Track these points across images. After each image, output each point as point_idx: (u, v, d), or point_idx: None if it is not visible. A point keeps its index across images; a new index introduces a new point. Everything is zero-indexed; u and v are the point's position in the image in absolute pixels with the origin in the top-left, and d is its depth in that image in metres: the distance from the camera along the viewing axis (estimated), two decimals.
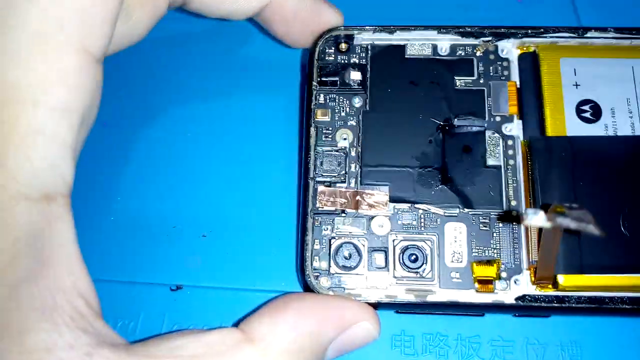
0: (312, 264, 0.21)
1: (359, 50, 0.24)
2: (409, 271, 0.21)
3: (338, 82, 0.23)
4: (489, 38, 0.23)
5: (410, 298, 0.21)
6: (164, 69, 0.26)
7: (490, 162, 0.22)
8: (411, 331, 0.23)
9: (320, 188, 0.22)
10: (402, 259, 0.21)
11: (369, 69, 0.23)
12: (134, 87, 0.26)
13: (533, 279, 0.21)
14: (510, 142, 0.23)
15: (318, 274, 0.21)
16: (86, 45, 0.18)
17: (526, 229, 0.21)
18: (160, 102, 0.26)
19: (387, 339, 0.22)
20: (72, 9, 0.17)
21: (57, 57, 0.17)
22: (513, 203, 0.22)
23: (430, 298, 0.21)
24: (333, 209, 0.22)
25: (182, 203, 0.24)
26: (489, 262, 0.21)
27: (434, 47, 0.24)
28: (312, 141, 0.23)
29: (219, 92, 0.26)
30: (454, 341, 0.22)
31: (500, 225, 0.22)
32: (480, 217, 0.22)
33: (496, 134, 0.23)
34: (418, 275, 0.21)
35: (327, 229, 0.22)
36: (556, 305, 0.21)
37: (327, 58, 0.24)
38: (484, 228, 0.22)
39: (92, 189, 0.24)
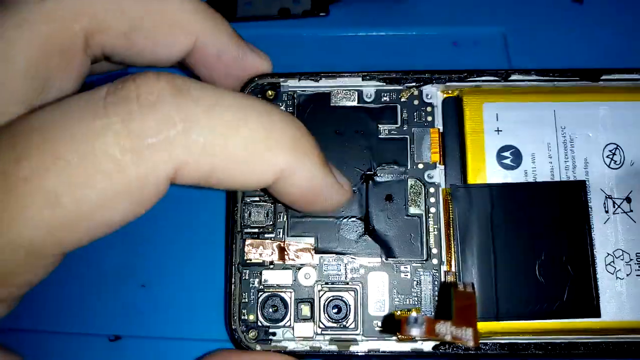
0: (240, 317, 0.22)
1: (286, 98, 0.24)
2: (333, 322, 0.22)
3: None
4: (413, 84, 0.24)
5: (333, 348, 0.22)
6: None
7: (412, 210, 0.23)
8: None
9: (248, 240, 0.23)
10: (327, 310, 0.22)
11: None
12: None
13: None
14: (432, 190, 0.23)
15: (245, 327, 0.22)
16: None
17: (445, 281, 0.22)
18: None
19: None
20: None
21: None
22: (434, 251, 0.23)
23: (353, 348, 0.22)
24: (260, 260, 0.23)
25: (121, 253, 0.25)
26: (409, 311, 0.22)
27: (359, 94, 0.24)
28: (239, 193, 0.23)
29: None
30: None
31: (422, 273, 0.22)
32: (402, 266, 0.22)
33: (419, 182, 0.23)
34: (341, 326, 0.22)
35: (255, 281, 0.23)
36: (472, 352, 0.22)
37: None
38: (405, 277, 0.22)
39: None
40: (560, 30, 0.28)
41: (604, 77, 0.23)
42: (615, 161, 0.23)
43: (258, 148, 0.18)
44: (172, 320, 0.24)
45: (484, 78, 0.23)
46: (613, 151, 0.23)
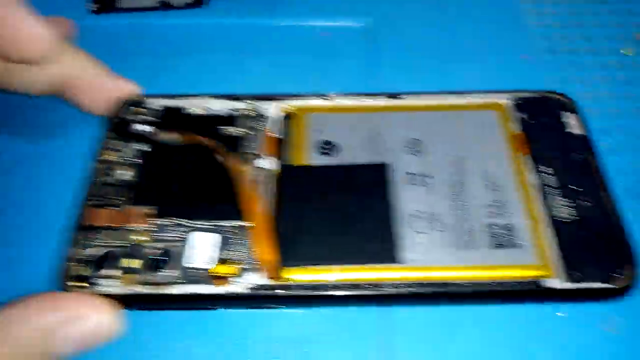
0: (71, 272, 0.23)
1: (148, 112, 0.29)
2: (154, 272, 0.23)
3: (129, 133, 0.28)
4: (253, 102, 0.29)
5: (149, 291, 0.23)
6: None
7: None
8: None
9: (91, 202, 0.25)
10: (153, 261, 0.24)
11: (155, 124, 0.28)
12: None
13: (268, 274, 0.23)
14: (259, 172, 0.27)
15: (74, 277, 0.23)
16: None
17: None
18: None
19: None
20: None
21: None
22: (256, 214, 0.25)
23: (168, 290, 0.23)
24: (101, 224, 0.25)
25: None
26: (228, 262, 0.24)
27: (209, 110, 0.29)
28: (96, 173, 0.26)
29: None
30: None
31: (243, 231, 0.25)
32: (228, 227, 0.25)
33: (248, 166, 0.27)
34: (163, 274, 0.23)
35: (92, 241, 0.24)
36: (281, 293, 0.23)
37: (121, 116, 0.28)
38: (231, 235, 0.25)
39: None
40: (425, 21, 0.34)
41: (403, 96, 0.29)
42: (416, 150, 0.27)
43: None
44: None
45: (313, 99, 0.29)
46: (413, 143, 0.27)
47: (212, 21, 0.34)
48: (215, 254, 0.24)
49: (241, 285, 0.23)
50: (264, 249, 0.24)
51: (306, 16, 0.35)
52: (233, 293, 0.23)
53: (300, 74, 0.32)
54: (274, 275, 0.23)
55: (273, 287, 0.23)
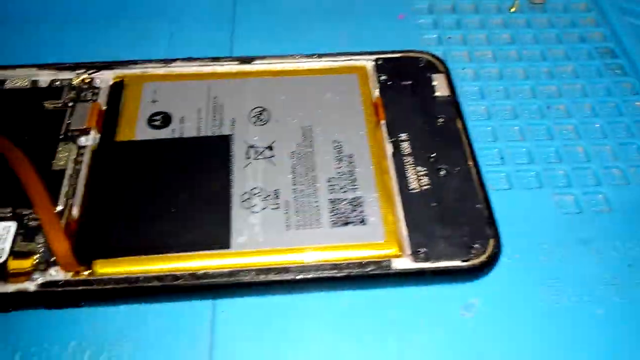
0: None
1: None
2: None
3: None
4: (87, 70, 0.25)
5: None
6: None
7: (55, 167, 0.22)
8: None
9: None
10: None
11: None
12: None
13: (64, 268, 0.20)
14: (82, 151, 0.23)
15: None
16: None
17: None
18: None
19: None
20: None
21: None
22: (70, 201, 0.22)
23: None
24: None
25: None
26: (25, 256, 0.20)
27: (34, 83, 0.25)
28: None
29: None
30: None
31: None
32: (31, 217, 0.21)
33: (70, 144, 0.23)
34: None
35: None
36: (79, 288, 0.19)
37: None
38: (33, 225, 0.21)
39: None
40: None
41: (255, 62, 0.26)
42: (262, 120, 0.24)
43: None
44: None
45: (150, 65, 0.26)
46: (259, 112, 0.24)
47: None
48: (7, 245, 0.20)
49: (34, 282, 0.20)
50: (57, 240, 0.20)
51: None
52: (22, 290, 0.19)
53: (144, 38, 0.28)
54: (73, 269, 0.20)
55: (69, 283, 0.20)
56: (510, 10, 0.31)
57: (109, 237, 0.21)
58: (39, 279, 0.20)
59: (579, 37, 0.30)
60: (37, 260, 0.20)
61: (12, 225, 0.21)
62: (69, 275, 0.20)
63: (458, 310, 0.21)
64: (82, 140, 0.23)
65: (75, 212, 0.21)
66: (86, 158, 0.23)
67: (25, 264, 0.20)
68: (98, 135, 0.24)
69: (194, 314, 0.20)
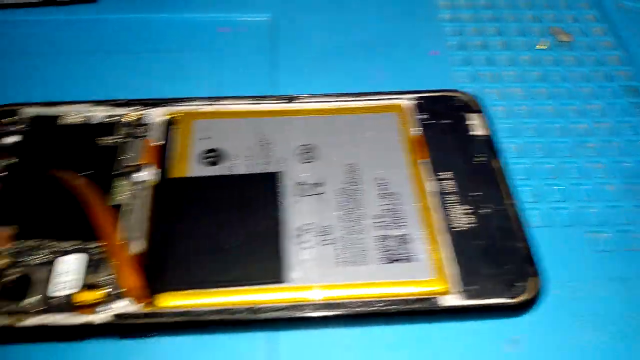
0: None
1: (20, 121, 0.26)
2: (11, 298, 0.21)
3: None
4: (139, 107, 0.27)
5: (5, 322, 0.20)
6: None
7: (114, 202, 0.24)
8: None
9: None
10: (8, 286, 0.21)
11: (25, 135, 0.25)
12: None
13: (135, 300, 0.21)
14: (138, 186, 0.24)
15: None
16: None
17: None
18: None
19: None
20: None
21: None
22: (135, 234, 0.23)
23: (24, 322, 0.20)
24: None
25: None
26: (94, 288, 0.21)
27: (88, 119, 0.26)
28: None
29: None
30: None
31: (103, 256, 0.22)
32: (97, 249, 0.22)
33: (127, 180, 0.24)
34: (23, 303, 0.21)
35: None
36: (150, 321, 0.20)
37: None
38: (99, 257, 0.22)
39: None
40: (324, 16, 0.32)
41: (299, 99, 0.27)
42: (308, 157, 0.25)
43: None
44: None
45: (198, 103, 0.27)
46: (306, 150, 0.25)
47: (100, 17, 0.32)
48: (81, 277, 0.21)
49: (106, 313, 0.21)
50: (128, 273, 0.21)
51: (201, 11, 0.33)
52: (94, 322, 0.21)
53: (194, 75, 0.30)
54: (142, 301, 0.21)
55: (141, 315, 0.21)
56: (537, 47, 0.33)
57: (172, 271, 0.22)
58: (110, 310, 0.21)
59: (605, 76, 0.31)
60: (108, 292, 0.21)
61: (83, 257, 0.22)
62: (140, 307, 0.21)
63: (501, 345, 0.22)
64: (135, 176, 0.24)
65: (136, 246, 0.22)
66: (146, 193, 0.24)
67: (97, 295, 0.21)
68: (157, 171, 0.25)
69: (250, 347, 0.22)
